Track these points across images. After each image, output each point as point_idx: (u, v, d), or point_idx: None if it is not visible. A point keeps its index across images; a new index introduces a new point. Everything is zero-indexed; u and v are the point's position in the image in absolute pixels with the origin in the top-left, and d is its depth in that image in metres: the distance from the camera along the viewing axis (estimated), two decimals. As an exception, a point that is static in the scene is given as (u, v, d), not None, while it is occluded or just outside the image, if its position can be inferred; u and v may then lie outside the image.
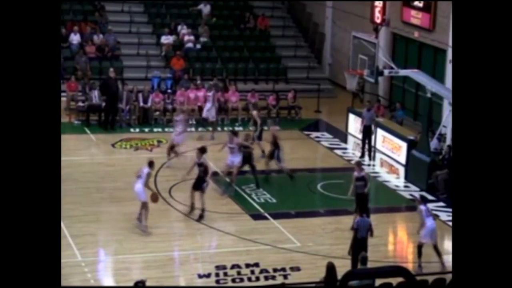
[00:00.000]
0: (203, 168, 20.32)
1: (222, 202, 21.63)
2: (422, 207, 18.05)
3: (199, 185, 20.25)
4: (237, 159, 22.20)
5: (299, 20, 37.76)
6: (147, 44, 33.67)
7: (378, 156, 26.49)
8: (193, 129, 27.73)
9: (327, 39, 36.28)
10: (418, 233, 18.10)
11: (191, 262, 18.36)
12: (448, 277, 14.68)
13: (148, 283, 14.27)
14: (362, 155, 26.05)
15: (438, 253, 18.11)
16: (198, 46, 33.98)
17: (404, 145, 25.28)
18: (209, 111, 27.65)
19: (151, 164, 19.58)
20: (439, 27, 28.18)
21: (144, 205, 19.36)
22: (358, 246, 16.85)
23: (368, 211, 18.93)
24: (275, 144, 23.22)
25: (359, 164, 20.71)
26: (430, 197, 22.66)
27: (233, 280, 17.17)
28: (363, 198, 19.76)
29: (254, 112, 25.49)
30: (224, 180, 22.67)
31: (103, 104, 27.91)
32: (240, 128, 28.92)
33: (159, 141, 26.79)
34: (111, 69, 28.83)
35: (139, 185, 19.34)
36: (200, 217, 20.20)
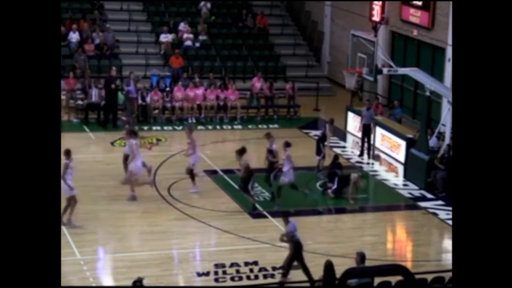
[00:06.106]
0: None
1: (221, 200, 21.64)
2: (287, 151, 21.06)
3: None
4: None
5: (298, 19, 37.76)
6: (146, 43, 33.66)
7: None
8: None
9: (326, 38, 36.28)
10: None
11: (190, 261, 18.37)
12: (447, 275, 14.70)
13: (147, 282, 14.30)
14: (361, 154, 26.08)
15: (295, 187, 20.92)
16: (197, 44, 33.98)
17: (403, 144, 25.27)
18: None
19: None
20: (438, 26, 28.17)
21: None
22: None
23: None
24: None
25: (331, 121, 24.79)
26: (429, 196, 22.69)
27: (232, 279, 17.18)
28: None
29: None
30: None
31: (103, 102, 27.94)
32: (239, 127, 28.98)
33: (158, 139, 26.79)
34: (114, 68, 28.79)
35: None
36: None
